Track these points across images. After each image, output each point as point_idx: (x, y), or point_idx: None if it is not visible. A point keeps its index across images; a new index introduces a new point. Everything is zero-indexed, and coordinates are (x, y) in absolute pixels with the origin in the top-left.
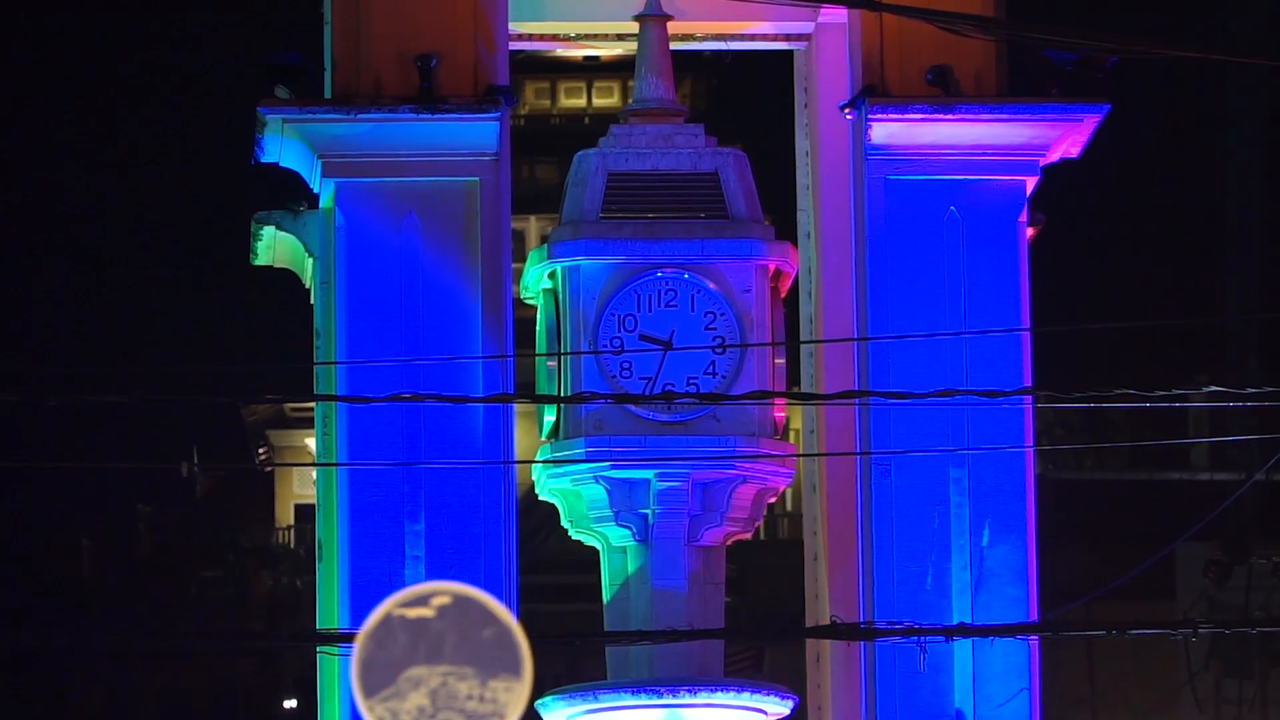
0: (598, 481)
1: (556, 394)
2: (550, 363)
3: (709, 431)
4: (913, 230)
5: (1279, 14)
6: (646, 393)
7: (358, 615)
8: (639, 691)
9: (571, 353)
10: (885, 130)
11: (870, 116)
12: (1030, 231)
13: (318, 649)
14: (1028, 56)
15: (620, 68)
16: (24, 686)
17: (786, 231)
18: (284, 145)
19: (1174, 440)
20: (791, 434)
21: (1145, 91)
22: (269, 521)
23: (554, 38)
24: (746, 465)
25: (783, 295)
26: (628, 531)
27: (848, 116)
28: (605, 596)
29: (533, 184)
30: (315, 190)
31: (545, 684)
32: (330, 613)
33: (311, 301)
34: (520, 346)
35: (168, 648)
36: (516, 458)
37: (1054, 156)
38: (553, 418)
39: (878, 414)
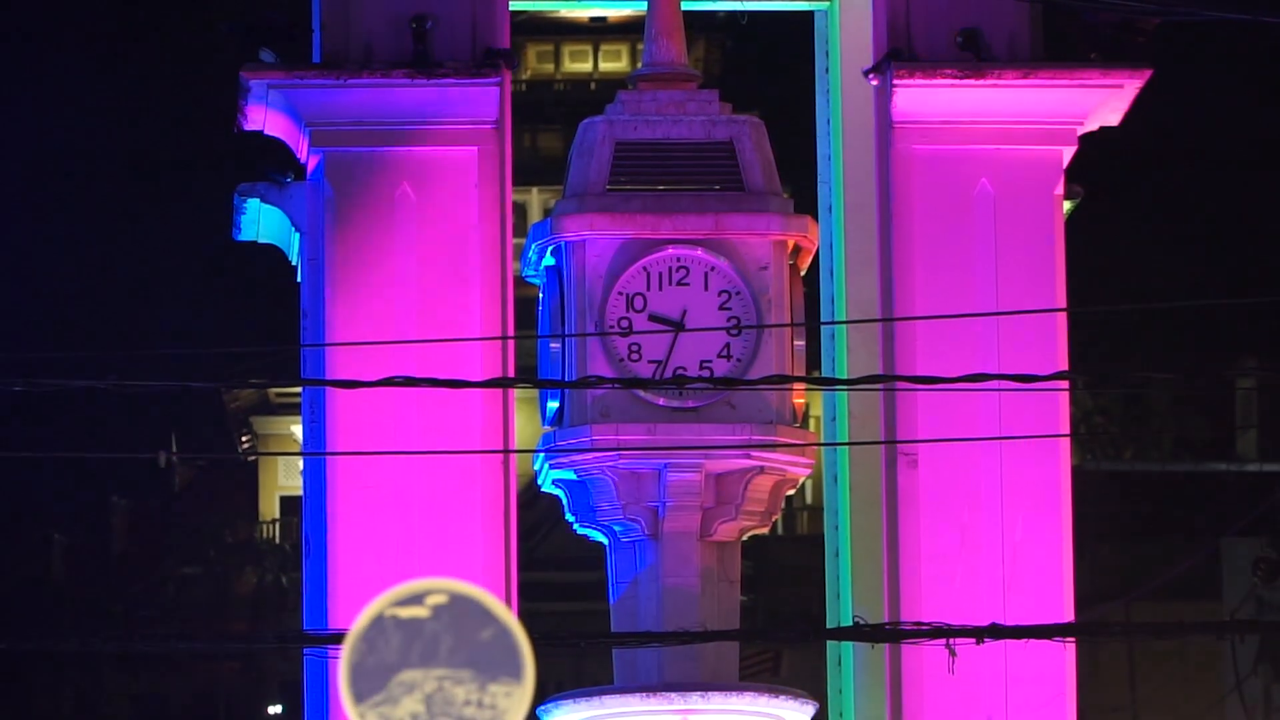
0: (604, 472)
1: (560, 378)
2: (554, 345)
3: (723, 419)
4: (941, 204)
5: None
6: (657, 377)
7: (347, 615)
8: (648, 696)
9: (576, 334)
10: (912, 97)
11: (896, 82)
12: (1066, 205)
13: (305, 651)
14: (1064, 19)
15: (629, 29)
16: None
17: (806, 205)
18: (269, 113)
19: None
20: (811, 421)
21: (1190, 55)
22: (252, 515)
23: None
24: (763, 455)
25: (802, 273)
26: (636, 525)
27: (872, 82)
28: (612, 595)
29: (535, 154)
30: (303, 161)
31: (548, 688)
32: (318, 612)
33: (298, 279)
34: (521, 327)
35: (144, 650)
36: (517, 447)
37: (1092, 125)
38: (556, 404)
39: (904, 400)
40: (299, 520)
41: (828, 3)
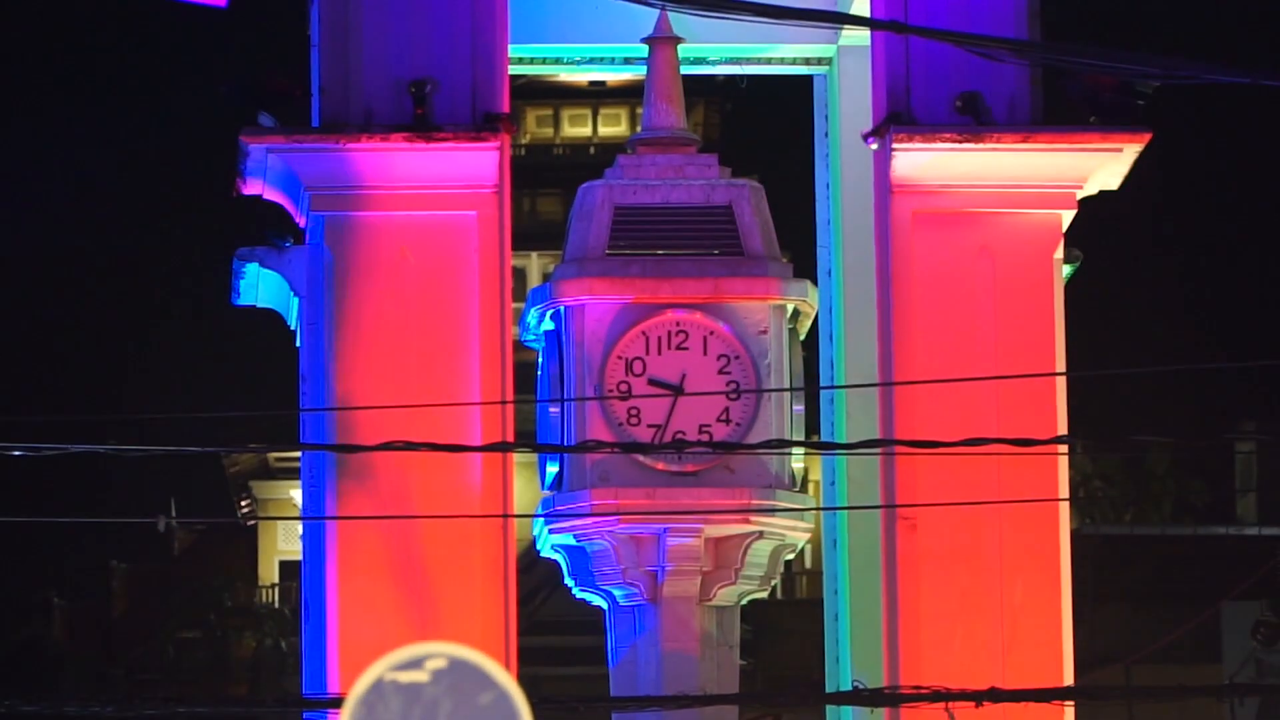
0: (603, 537)
1: (559, 443)
2: (553, 409)
3: (722, 483)
4: (941, 268)
5: None
6: (656, 442)
7: (347, 679)
8: None
9: (575, 399)
10: (911, 161)
11: (895, 146)
12: (1066, 269)
13: (304, 715)
14: (1064, 82)
15: (628, 93)
16: None
17: (806, 269)
18: (268, 176)
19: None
20: (811, 486)
21: (1188, 118)
22: (252, 579)
23: (557, 62)
24: (762, 519)
25: (802, 337)
26: (635, 590)
27: (871, 146)
28: (611, 660)
29: (534, 218)
30: (302, 225)
31: None
32: (318, 676)
33: (297, 344)
34: (520, 392)
35: (144, 714)
36: (516, 511)
37: (1092, 189)
38: (555, 468)
39: (903, 464)
40: (298, 585)
41: (827, 67)
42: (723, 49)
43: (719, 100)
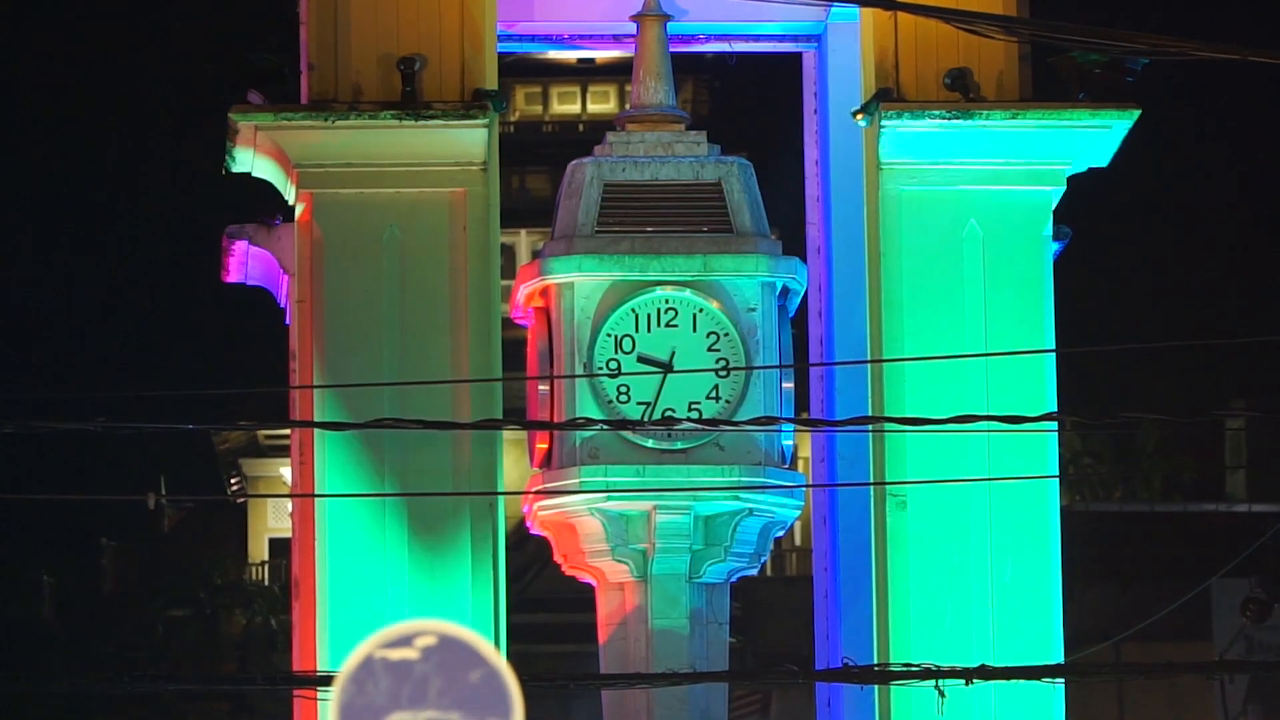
0: (593, 514)
1: (548, 420)
2: (542, 386)
3: (712, 460)
4: (930, 245)
5: None
6: (645, 419)
7: (337, 656)
8: None
9: (565, 376)
10: (899, 138)
11: (883, 123)
12: (1055, 246)
13: (294, 692)
14: (1052, 59)
15: (617, 71)
16: None
17: (795, 246)
18: (257, 154)
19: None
20: (800, 463)
21: (1176, 94)
22: (242, 557)
23: (546, 39)
24: (752, 496)
25: (791, 314)
26: (625, 567)
27: (859, 123)
28: (601, 637)
29: (523, 195)
30: (290, 202)
31: None
32: (308, 654)
33: (286, 321)
34: (510, 369)
35: (134, 691)
36: (505, 488)
37: (1081, 166)
38: (544, 445)
39: (892, 442)
40: (288, 562)
41: (815, 44)
42: (711, 26)
43: (708, 77)
